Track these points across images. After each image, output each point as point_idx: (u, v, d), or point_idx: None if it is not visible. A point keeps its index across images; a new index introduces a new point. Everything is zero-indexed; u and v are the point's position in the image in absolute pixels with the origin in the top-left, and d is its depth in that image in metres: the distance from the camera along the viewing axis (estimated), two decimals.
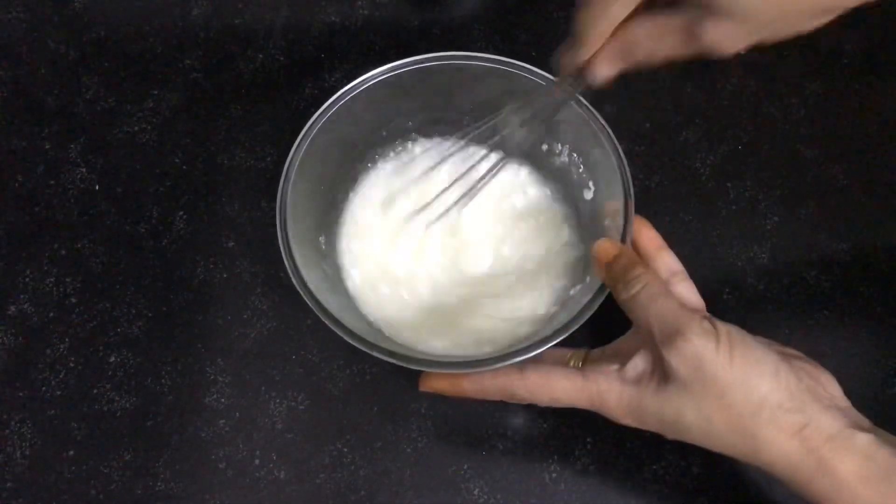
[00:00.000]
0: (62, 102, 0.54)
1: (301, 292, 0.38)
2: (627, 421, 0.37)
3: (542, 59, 0.42)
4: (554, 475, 0.43)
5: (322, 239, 0.45)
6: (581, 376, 0.37)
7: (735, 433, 0.34)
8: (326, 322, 0.37)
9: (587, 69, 0.36)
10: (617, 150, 0.40)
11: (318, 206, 0.45)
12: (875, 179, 0.51)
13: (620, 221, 0.39)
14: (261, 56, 0.56)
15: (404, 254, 0.46)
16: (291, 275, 0.38)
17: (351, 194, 0.48)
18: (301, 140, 0.41)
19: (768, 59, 0.55)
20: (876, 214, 0.50)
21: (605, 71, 0.36)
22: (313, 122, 0.42)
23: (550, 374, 0.38)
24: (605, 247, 0.38)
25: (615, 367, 0.37)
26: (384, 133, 0.47)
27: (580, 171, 0.45)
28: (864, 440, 0.33)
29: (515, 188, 0.47)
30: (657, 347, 0.35)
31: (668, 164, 0.52)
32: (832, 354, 0.46)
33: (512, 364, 0.37)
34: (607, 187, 0.42)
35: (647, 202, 0.40)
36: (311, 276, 0.39)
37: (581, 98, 0.41)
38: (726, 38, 0.32)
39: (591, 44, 0.34)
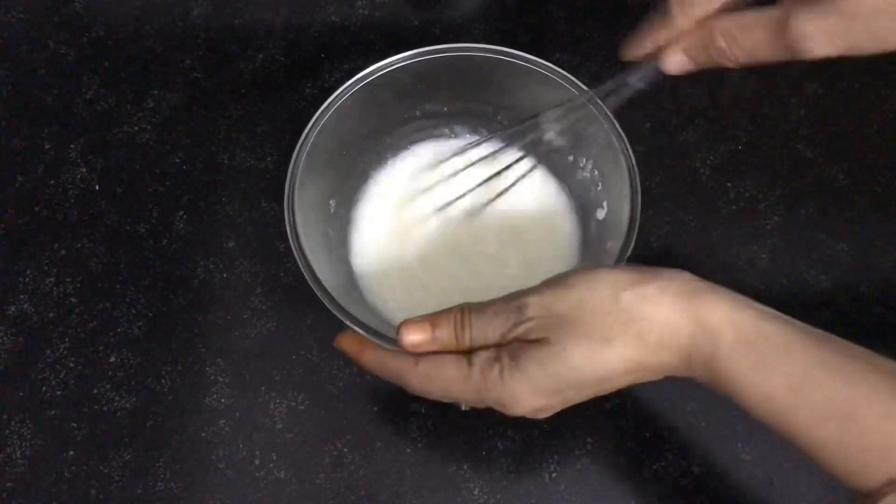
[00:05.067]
0: (62, 102, 0.54)
1: (298, 260, 0.38)
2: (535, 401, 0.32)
3: (542, 60, 0.42)
4: (554, 475, 0.43)
5: (332, 202, 0.45)
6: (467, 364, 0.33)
7: (610, 319, 0.30)
8: (314, 287, 0.38)
9: (661, 56, 0.33)
10: (633, 175, 0.39)
11: (333, 181, 0.45)
12: (875, 179, 0.51)
13: (617, 248, 0.38)
14: (261, 56, 0.56)
15: (415, 241, 0.46)
16: (293, 244, 0.39)
17: (376, 172, 0.48)
18: (328, 105, 0.41)
19: None
20: (876, 214, 0.50)
21: (680, 63, 0.33)
22: (344, 91, 0.42)
23: (443, 363, 0.33)
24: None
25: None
26: (417, 112, 0.47)
27: (598, 188, 0.44)
28: (727, 295, 0.30)
29: (535, 195, 0.47)
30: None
31: (668, 164, 0.51)
32: None
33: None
34: (617, 210, 0.41)
35: (648, 202, 0.39)
36: (317, 260, 0.39)
37: (612, 116, 0.40)
38: (820, 34, 0.29)
39: (684, 22, 0.32)
